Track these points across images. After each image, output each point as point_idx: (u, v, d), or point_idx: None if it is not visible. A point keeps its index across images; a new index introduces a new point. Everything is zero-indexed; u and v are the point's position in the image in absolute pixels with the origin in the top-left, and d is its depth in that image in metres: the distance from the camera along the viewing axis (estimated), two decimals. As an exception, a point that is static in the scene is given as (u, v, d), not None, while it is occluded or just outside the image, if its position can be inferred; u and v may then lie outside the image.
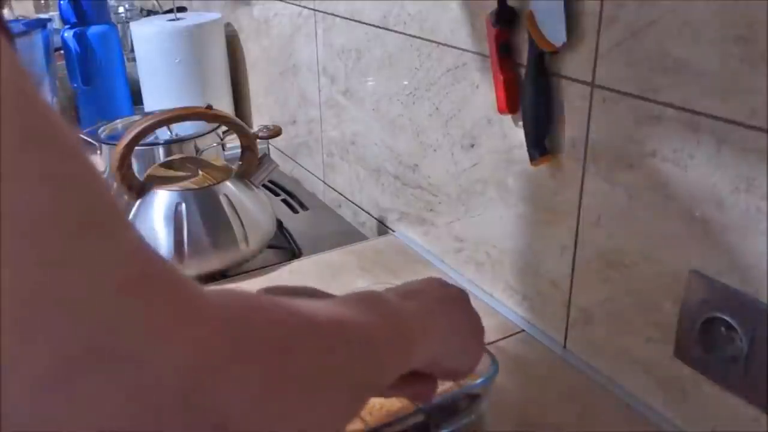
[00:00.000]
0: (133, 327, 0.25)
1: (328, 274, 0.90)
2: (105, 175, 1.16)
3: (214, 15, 1.42)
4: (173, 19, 1.40)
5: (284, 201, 1.21)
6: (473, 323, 0.54)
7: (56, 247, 0.23)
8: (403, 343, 0.44)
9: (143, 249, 0.27)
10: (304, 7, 1.13)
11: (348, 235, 1.05)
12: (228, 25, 1.47)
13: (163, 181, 0.91)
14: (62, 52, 1.45)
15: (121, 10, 1.76)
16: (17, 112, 0.23)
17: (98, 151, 1.13)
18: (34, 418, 0.23)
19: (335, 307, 0.40)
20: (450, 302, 0.52)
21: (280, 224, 1.06)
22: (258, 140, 0.97)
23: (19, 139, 0.23)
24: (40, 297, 0.23)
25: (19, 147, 0.23)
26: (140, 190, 0.89)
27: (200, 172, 0.93)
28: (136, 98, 1.47)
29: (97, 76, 1.42)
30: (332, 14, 1.05)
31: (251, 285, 0.88)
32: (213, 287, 0.31)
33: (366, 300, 0.43)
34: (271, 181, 1.20)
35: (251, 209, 0.92)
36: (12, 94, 0.23)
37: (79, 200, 0.25)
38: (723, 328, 0.54)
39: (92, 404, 0.24)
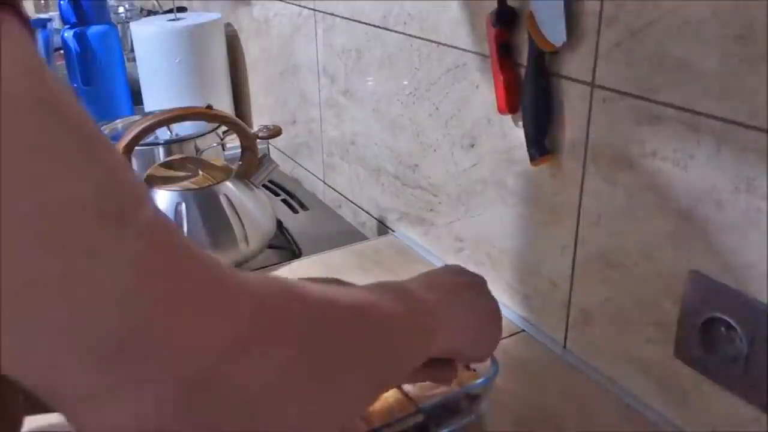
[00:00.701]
0: (159, 311, 0.25)
1: (328, 274, 0.90)
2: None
3: (214, 15, 1.42)
4: (173, 19, 1.40)
5: (284, 201, 1.20)
6: (491, 309, 0.56)
7: (74, 240, 0.23)
8: (425, 333, 0.45)
9: (166, 232, 0.27)
10: (304, 7, 1.13)
11: (348, 235, 1.05)
12: (228, 25, 1.47)
13: (163, 181, 0.91)
14: (62, 52, 1.45)
15: (121, 10, 1.76)
16: (38, 102, 0.23)
17: (98, 151, 1.13)
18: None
19: (360, 294, 0.41)
20: (469, 290, 0.54)
21: (280, 224, 1.06)
22: (258, 140, 0.97)
23: (38, 129, 0.23)
24: (61, 290, 0.23)
25: (37, 137, 0.23)
26: (140, 190, 0.89)
27: (200, 172, 0.93)
28: (136, 98, 1.47)
29: (97, 76, 1.42)
30: (332, 14, 1.05)
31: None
32: (245, 271, 0.32)
33: (390, 290, 0.44)
34: (271, 181, 1.20)
35: (251, 209, 0.92)
36: (33, 84, 0.23)
37: (98, 188, 0.25)
38: (723, 328, 0.54)
39: (125, 392, 0.24)
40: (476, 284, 0.56)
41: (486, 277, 0.82)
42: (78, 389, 0.24)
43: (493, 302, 0.56)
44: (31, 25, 0.25)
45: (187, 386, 0.26)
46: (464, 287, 0.54)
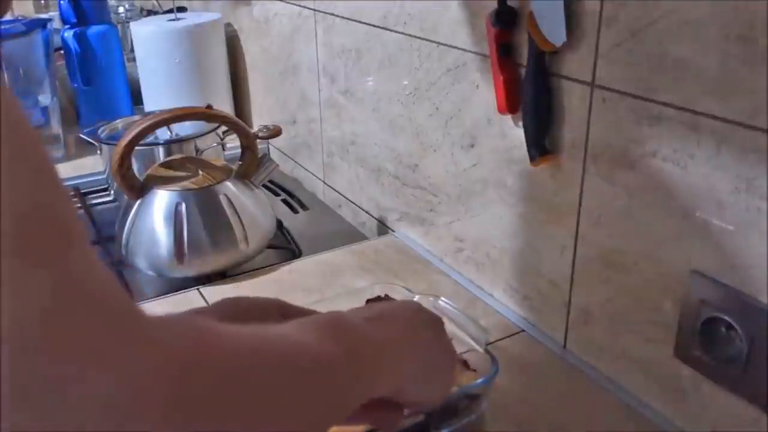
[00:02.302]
0: (63, 351, 0.24)
1: (328, 274, 0.90)
2: (105, 175, 1.17)
3: (214, 15, 1.42)
4: (173, 19, 1.40)
5: (284, 201, 1.21)
6: (444, 354, 0.52)
7: None
8: (366, 373, 0.42)
9: (89, 272, 0.26)
10: (304, 7, 1.13)
11: (348, 235, 1.05)
12: (228, 25, 1.47)
13: (163, 181, 0.91)
14: (62, 52, 1.45)
15: (121, 10, 1.76)
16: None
17: (98, 151, 1.13)
18: None
19: (295, 334, 0.38)
20: (422, 329, 0.50)
21: (280, 224, 1.06)
22: (258, 140, 0.97)
23: None
24: None
25: None
26: (140, 190, 0.89)
27: (200, 172, 0.93)
28: (136, 98, 1.47)
29: (97, 76, 1.42)
30: (332, 14, 1.05)
31: (251, 285, 0.88)
32: (165, 315, 0.30)
33: (330, 326, 0.41)
34: (271, 181, 1.20)
35: (251, 209, 0.92)
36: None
37: (20, 215, 0.24)
38: (723, 328, 0.54)
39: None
40: (431, 325, 0.52)
41: (486, 277, 0.83)
42: None
43: (447, 346, 0.52)
44: None
45: None
46: (420, 325, 0.50)
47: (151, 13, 1.79)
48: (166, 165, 0.96)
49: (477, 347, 0.64)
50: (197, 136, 1.09)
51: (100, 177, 1.22)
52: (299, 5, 1.14)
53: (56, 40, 1.41)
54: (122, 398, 0.25)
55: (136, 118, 1.07)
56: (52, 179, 0.26)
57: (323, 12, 1.07)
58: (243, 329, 0.35)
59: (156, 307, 0.84)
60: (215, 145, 1.10)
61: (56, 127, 1.38)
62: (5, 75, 1.26)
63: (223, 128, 1.07)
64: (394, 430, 0.52)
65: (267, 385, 0.33)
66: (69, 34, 1.39)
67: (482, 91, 0.76)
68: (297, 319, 0.41)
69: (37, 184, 0.25)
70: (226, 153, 1.15)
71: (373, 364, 0.43)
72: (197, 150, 1.08)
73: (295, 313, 0.49)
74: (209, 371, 0.29)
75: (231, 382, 0.31)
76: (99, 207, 1.18)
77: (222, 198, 0.90)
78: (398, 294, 0.74)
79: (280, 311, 0.49)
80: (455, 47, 0.79)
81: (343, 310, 0.46)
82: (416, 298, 0.72)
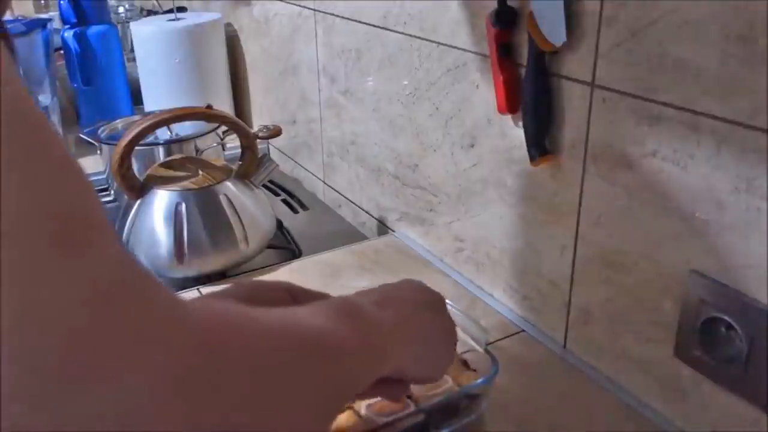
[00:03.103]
0: (104, 339, 0.25)
1: (328, 274, 0.90)
2: (105, 175, 1.17)
3: (214, 15, 1.42)
4: (173, 19, 1.40)
5: (284, 201, 1.21)
6: (447, 330, 0.54)
7: (25, 261, 0.23)
8: (376, 355, 0.44)
9: (118, 259, 0.26)
10: (304, 7, 1.13)
11: (348, 235, 1.05)
12: (228, 24, 1.47)
13: (163, 181, 0.91)
14: (62, 52, 1.45)
15: (121, 10, 1.76)
16: (8, 122, 0.23)
17: (98, 151, 1.13)
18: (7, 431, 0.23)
19: (309, 318, 0.40)
20: (425, 308, 0.52)
21: (280, 224, 1.06)
22: (258, 140, 0.97)
23: (7, 148, 0.23)
24: (9, 310, 0.22)
25: (8, 151, 0.23)
26: (140, 190, 0.89)
27: (200, 172, 0.93)
28: (136, 98, 1.47)
29: (97, 76, 1.42)
30: (332, 14, 1.05)
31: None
32: (192, 298, 0.31)
33: (342, 310, 0.42)
34: (271, 181, 1.20)
35: (251, 209, 0.92)
36: (5, 102, 0.23)
37: (54, 211, 0.24)
38: (723, 328, 0.54)
39: (68, 420, 0.24)
40: (434, 303, 0.54)
41: (486, 277, 0.83)
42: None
43: (449, 323, 0.55)
44: (9, 35, 0.25)
45: (124, 423, 0.25)
46: (422, 305, 0.52)
47: (151, 13, 1.79)
48: (166, 165, 0.96)
49: (477, 347, 0.64)
50: (197, 136, 1.09)
51: (100, 177, 1.22)
52: (299, 5, 1.14)
53: (56, 40, 1.41)
54: (161, 383, 0.26)
55: (136, 118, 1.07)
56: (78, 175, 0.26)
57: (323, 12, 1.07)
58: (269, 313, 0.36)
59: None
60: (215, 145, 1.10)
61: (56, 127, 1.38)
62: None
63: (223, 128, 1.07)
64: (399, 400, 0.55)
65: (286, 364, 0.34)
66: (69, 34, 1.39)
67: (482, 91, 0.76)
68: (312, 304, 0.43)
69: (65, 181, 0.25)
70: (226, 153, 1.15)
71: (382, 349, 0.45)
72: (197, 150, 1.08)
73: (304, 295, 0.51)
74: (239, 353, 0.31)
75: (257, 364, 0.32)
76: (99, 207, 1.17)
77: (222, 198, 0.90)
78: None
79: (290, 293, 0.51)
80: (455, 47, 0.79)
81: (351, 295, 0.48)
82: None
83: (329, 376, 0.38)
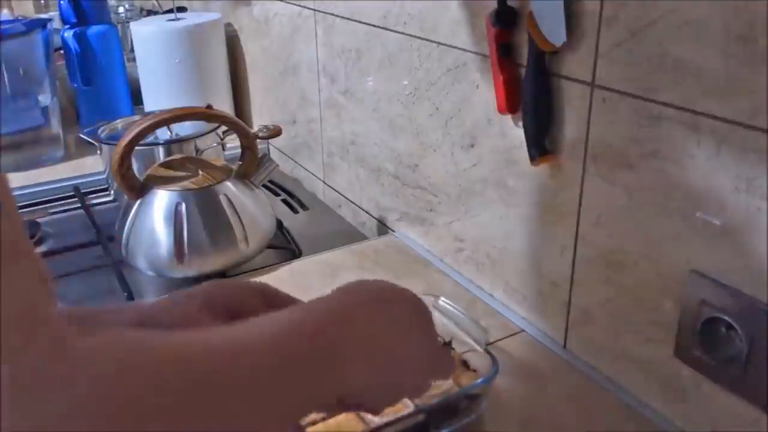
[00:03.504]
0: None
1: (328, 274, 0.90)
2: (105, 175, 1.17)
3: (214, 15, 1.42)
4: (173, 19, 1.40)
5: (284, 201, 1.21)
6: (413, 355, 0.46)
7: None
8: (329, 373, 0.39)
9: (20, 288, 0.26)
10: (304, 7, 1.13)
11: (348, 235, 1.06)
12: (228, 25, 1.47)
13: (163, 181, 0.91)
14: (62, 52, 1.45)
15: (121, 10, 1.76)
16: None
17: (98, 151, 1.13)
18: None
19: (244, 336, 0.36)
20: (385, 327, 0.44)
21: (280, 224, 1.06)
22: (258, 140, 0.97)
23: None
24: None
25: None
26: (140, 190, 0.89)
27: (200, 172, 0.93)
28: (136, 98, 1.47)
29: (97, 76, 1.42)
30: (332, 14, 1.05)
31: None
32: (102, 332, 0.30)
33: (289, 330, 0.38)
34: (271, 181, 1.20)
35: (251, 209, 0.92)
36: None
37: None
38: (723, 328, 0.54)
39: None
40: (400, 321, 0.45)
41: (486, 277, 0.83)
42: None
43: (420, 345, 0.46)
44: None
45: None
46: (384, 325, 0.44)
47: (151, 13, 1.79)
48: (166, 165, 0.96)
49: (477, 347, 0.64)
50: (197, 136, 1.09)
51: (100, 177, 1.22)
52: (299, 5, 1.14)
53: (56, 40, 1.41)
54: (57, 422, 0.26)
55: (136, 118, 1.07)
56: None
57: (323, 12, 1.07)
58: (175, 339, 0.34)
59: (156, 307, 0.84)
60: (215, 145, 1.10)
61: (56, 127, 1.38)
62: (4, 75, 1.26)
63: (223, 128, 1.07)
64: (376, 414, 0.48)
65: (206, 405, 0.32)
66: (69, 34, 1.39)
67: (482, 91, 0.76)
68: (257, 318, 0.39)
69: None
70: (226, 153, 1.15)
71: (330, 369, 0.39)
72: (197, 150, 1.08)
73: (276, 298, 0.48)
74: (140, 383, 0.29)
75: (157, 391, 0.30)
76: (99, 207, 1.18)
77: (222, 198, 0.90)
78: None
79: (263, 298, 0.47)
80: (455, 47, 0.79)
81: (307, 306, 0.42)
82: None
83: (256, 396, 0.34)
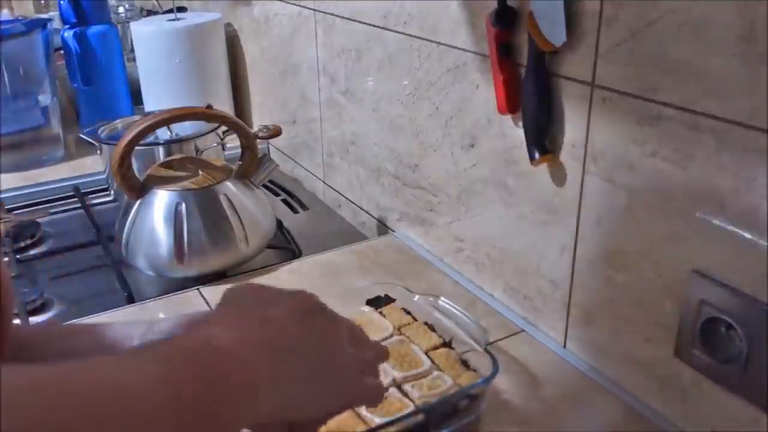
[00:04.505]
0: None
1: (328, 274, 0.90)
2: (105, 175, 1.17)
3: (214, 15, 1.42)
4: (173, 19, 1.40)
5: (284, 201, 1.21)
6: (334, 355, 0.45)
7: None
8: (239, 396, 0.37)
9: None
10: (304, 7, 1.13)
11: (348, 235, 1.06)
12: (228, 25, 1.47)
13: (163, 181, 0.91)
14: (62, 52, 1.45)
15: (121, 10, 1.76)
16: None
17: (98, 151, 1.13)
18: None
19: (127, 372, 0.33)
20: (309, 335, 0.44)
21: (280, 224, 1.06)
22: (258, 140, 0.97)
23: None
24: None
25: None
26: (140, 190, 0.89)
27: (200, 172, 0.93)
28: (136, 98, 1.47)
29: (97, 76, 1.42)
30: (332, 14, 1.04)
31: (251, 285, 0.88)
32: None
33: (185, 360, 0.36)
34: (271, 181, 1.20)
35: (251, 209, 0.92)
36: None
37: None
38: (723, 328, 0.54)
39: None
40: (323, 328, 0.45)
41: (486, 277, 0.83)
42: None
43: (341, 327, 0.46)
44: None
45: None
46: (285, 350, 0.42)
47: (151, 13, 1.79)
48: (166, 165, 0.96)
49: (477, 347, 0.64)
50: (197, 136, 1.09)
51: (100, 177, 1.22)
52: (299, 5, 1.14)
53: (56, 40, 1.41)
54: None
55: (136, 118, 1.07)
56: None
57: (323, 12, 1.07)
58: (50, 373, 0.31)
59: (156, 307, 0.84)
60: (215, 145, 1.10)
61: (56, 127, 1.38)
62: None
63: (223, 128, 1.07)
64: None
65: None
66: (69, 34, 1.39)
67: (482, 91, 0.76)
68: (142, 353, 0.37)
69: None
70: (226, 153, 1.15)
71: (245, 388, 0.38)
72: (197, 150, 1.08)
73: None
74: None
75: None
76: (99, 207, 1.18)
77: (222, 198, 0.90)
78: (398, 294, 0.75)
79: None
80: (455, 47, 0.79)
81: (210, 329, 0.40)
82: (416, 299, 0.73)
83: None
